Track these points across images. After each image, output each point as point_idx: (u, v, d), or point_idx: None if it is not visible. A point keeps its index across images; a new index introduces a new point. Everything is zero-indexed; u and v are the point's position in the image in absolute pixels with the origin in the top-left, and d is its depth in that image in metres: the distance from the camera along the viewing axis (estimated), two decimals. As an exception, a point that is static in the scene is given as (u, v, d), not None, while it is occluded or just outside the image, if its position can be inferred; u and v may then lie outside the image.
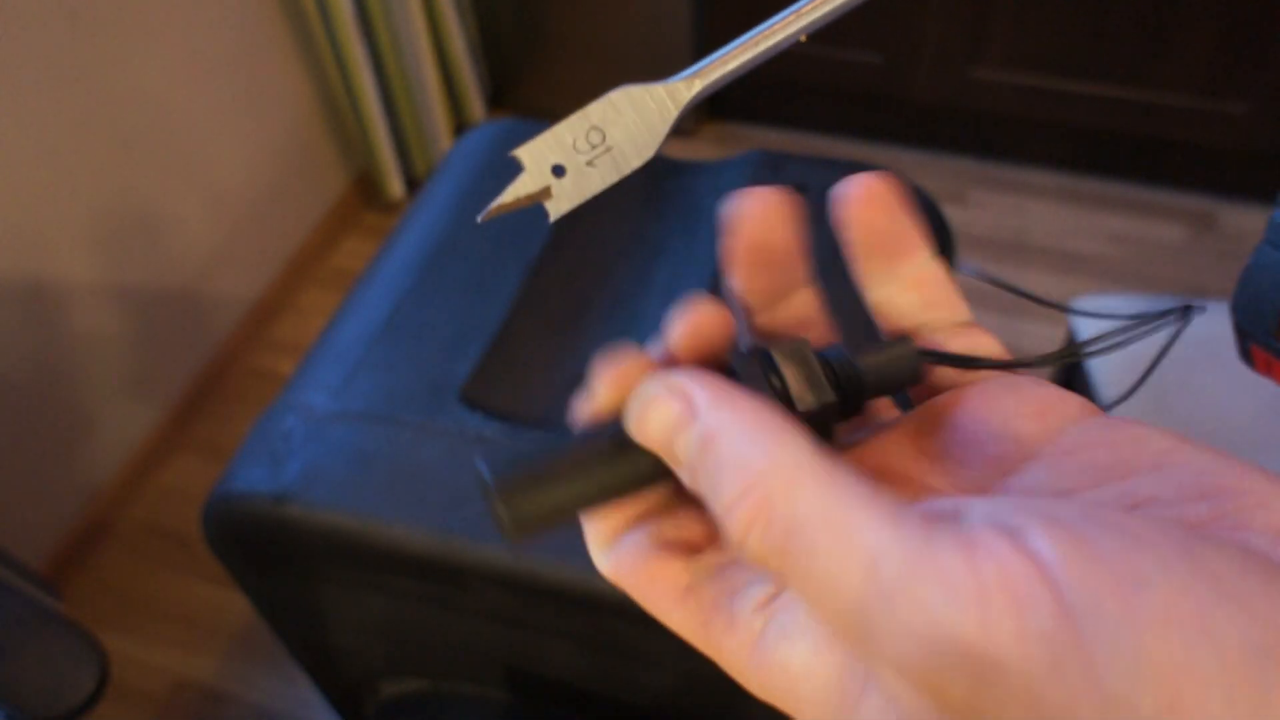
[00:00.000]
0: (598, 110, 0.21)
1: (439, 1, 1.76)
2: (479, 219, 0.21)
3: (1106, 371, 0.91)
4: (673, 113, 0.21)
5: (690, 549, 0.21)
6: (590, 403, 0.21)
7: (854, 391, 0.21)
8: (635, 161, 0.20)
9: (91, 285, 1.38)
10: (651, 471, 0.19)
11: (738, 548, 0.16)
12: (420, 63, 1.77)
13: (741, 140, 1.97)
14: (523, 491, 0.19)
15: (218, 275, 1.61)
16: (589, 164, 0.20)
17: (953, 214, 0.91)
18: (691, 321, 0.20)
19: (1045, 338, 1.54)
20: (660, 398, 0.18)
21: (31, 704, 0.62)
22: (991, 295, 1.64)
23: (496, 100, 2.08)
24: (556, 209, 0.21)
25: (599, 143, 0.20)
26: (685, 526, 0.21)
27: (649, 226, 0.89)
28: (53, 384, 1.35)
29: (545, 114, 2.03)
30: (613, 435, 0.20)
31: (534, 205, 0.22)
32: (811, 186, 0.85)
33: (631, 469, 0.19)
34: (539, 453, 0.20)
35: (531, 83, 2.04)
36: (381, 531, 0.68)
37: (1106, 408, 0.89)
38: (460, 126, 1.95)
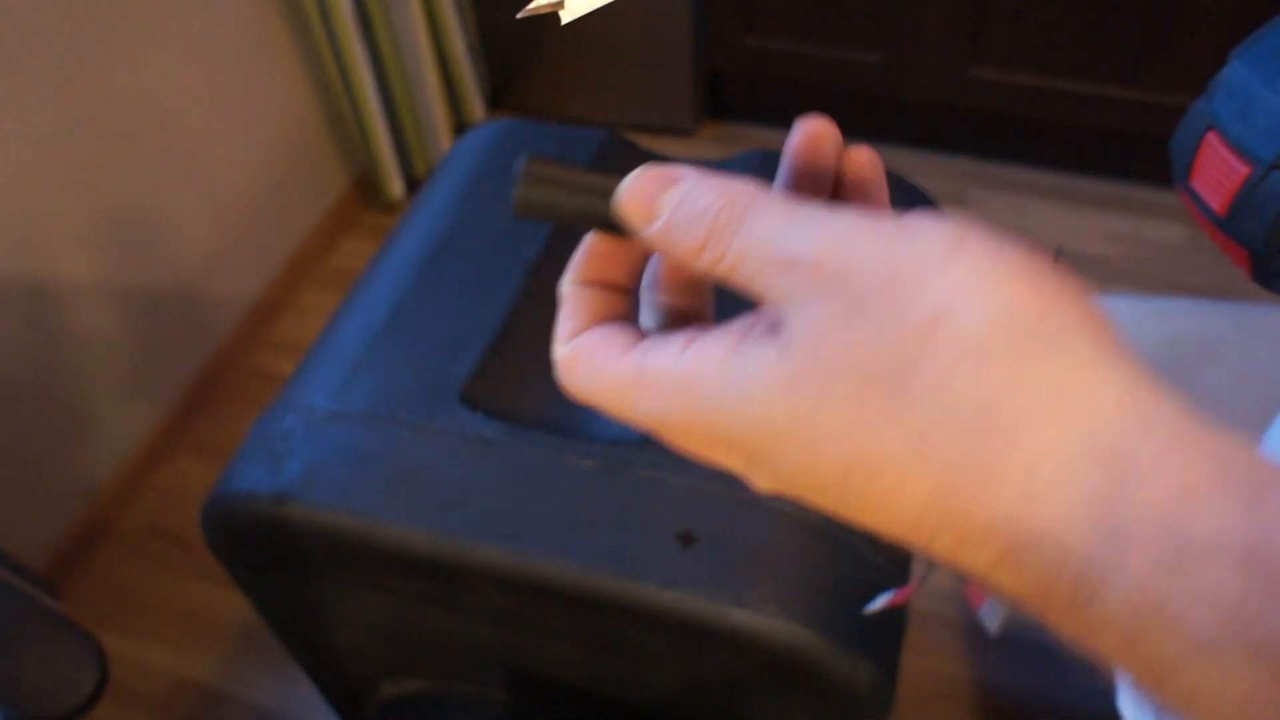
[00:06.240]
0: None
1: (439, 1, 1.76)
2: (518, 17, 0.27)
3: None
4: None
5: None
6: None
7: None
8: None
9: (91, 285, 1.38)
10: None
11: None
12: (420, 63, 1.77)
13: (741, 140, 1.97)
14: (536, 181, 0.24)
15: (218, 275, 1.61)
16: None
17: (953, 214, 0.91)
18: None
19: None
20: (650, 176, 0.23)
21: (31, 704, 0.62)
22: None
23: (496, 100, 2.08)
24: (569, 15, 0.27)
25: None
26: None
27: (649, 226, 0.89)
28: (53, 384, 1.35)
29: (545, 114, 2.03)
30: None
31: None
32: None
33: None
34: (570, 165, 0.25)
35: (531, 83, 2.04)
36: (381, 531, 0.68)
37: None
38: (460, 126, 1.95)
